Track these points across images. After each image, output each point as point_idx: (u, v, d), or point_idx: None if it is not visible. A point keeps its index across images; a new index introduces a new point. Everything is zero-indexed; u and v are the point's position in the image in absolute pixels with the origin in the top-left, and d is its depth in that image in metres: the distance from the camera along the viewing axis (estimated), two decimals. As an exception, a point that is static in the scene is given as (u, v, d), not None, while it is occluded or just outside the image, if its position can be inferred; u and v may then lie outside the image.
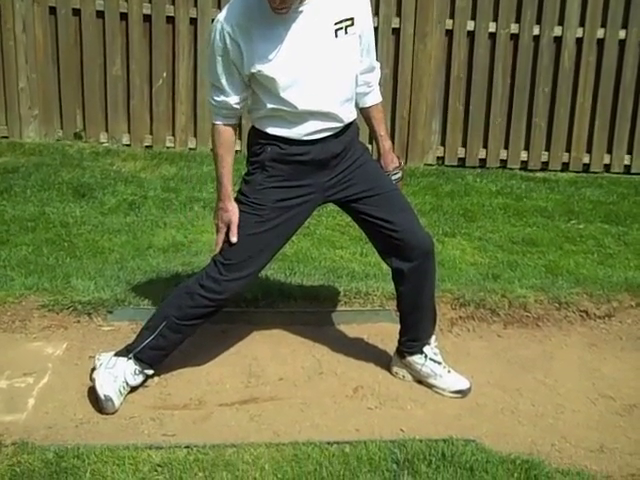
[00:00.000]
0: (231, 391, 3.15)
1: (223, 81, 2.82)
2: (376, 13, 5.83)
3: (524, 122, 6.26)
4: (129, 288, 3.71)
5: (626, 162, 6.35)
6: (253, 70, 2.76)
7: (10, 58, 6.02)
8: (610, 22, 6.08)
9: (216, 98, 2.86)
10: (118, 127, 6.17)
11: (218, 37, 2.76)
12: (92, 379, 3.01)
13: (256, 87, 2.84)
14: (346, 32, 2.81)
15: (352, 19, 2.82)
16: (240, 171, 3.04)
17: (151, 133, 6.20)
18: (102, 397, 2.94)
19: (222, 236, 2.95)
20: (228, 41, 2.74)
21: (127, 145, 6.18)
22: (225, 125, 2.91)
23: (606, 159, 6.34)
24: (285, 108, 2.81)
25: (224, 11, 2.77)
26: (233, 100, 2.85)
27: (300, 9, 2.73)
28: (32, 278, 3.77)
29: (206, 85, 2.98)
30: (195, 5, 5.98)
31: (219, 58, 2.79)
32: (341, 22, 2.79)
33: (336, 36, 2.79)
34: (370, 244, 3.26)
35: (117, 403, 2.96)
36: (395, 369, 3.30)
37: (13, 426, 2.85)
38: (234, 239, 2.92)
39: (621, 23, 6.09)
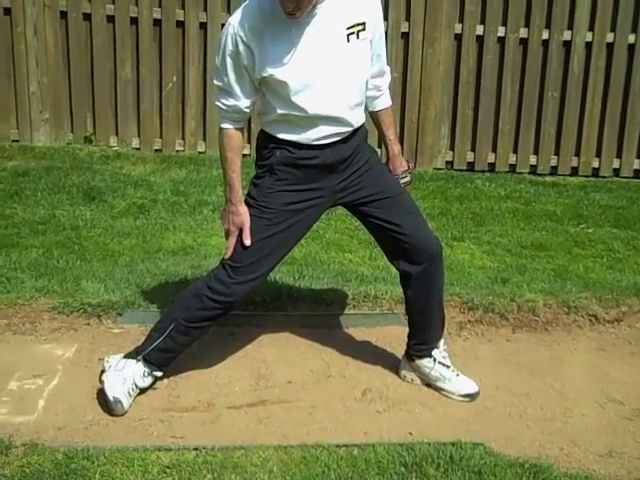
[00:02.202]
0: (240, 394, 3.16)
1: (234, 85, 2.81)
2: (385, 18, 5.80)
3: (533, 126, 6.26)
4: (139, 291, 3.72)
5: (636, 166, 6.34)
6: (265, 74, 2.76)
7: (21, 62, 6.06)
8: (620, 26, 6.07)
9: (225, 102, 2.86)
10: (128, 131, 6.20)
11: (230, 40, 2.75)
12: (101, 381, 3.02)
13: (266, 91, 2.84)
14: (358, 37, 2.81)
15: (364, 24, 2.82)
16: (249, 175, 3.04)
17: (161, 137, 6.22)
18: (111, 399, 2.95)
19: (234, 240, 2.94)
20: (240, 44, 2.74)
21: (137, 149, 6.21)
22: (234, 129, 2.91)
23: (615, 163, 6.33)
24: (295, 113, 2.82)
25: (236, 14, 2.77)
26: (243, 104, 2.85)
27: (313, 13, 2.73)
28: (42, 280, 3.78)
29: (213, 89, 2.96)
30: (205, 9, 6.01)
31: (230, 61, 2.78)
32: (353, 27, 2.80)
33: (348, 41, 2.80)
34: (379, 248, 3.26)
35: (126, 405, 2.97)
36: (403, 372, 3.30)
37: (23, 427, 2.86)
38: (247, 242, 2.92)
39: (631, 27, 6.09)
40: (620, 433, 3.02)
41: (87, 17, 6.03)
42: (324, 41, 2.77)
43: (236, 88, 2.82)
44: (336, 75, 2.80)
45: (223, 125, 2.91)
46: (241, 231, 2.93)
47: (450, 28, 6.08)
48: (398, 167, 3.16)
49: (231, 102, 2.85)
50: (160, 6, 6.01)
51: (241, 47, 2.74)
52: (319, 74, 2.78)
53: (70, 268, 4.03)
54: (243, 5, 2.79)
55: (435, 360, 3.22)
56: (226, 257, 2.97)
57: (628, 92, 6.19)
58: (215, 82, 2.89)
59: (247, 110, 2.88)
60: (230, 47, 2.76)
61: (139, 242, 4.52)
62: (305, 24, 2.73)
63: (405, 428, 2.97)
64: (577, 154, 6.31)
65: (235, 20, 2.76)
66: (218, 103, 2.89)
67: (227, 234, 2.98)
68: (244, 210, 2.93)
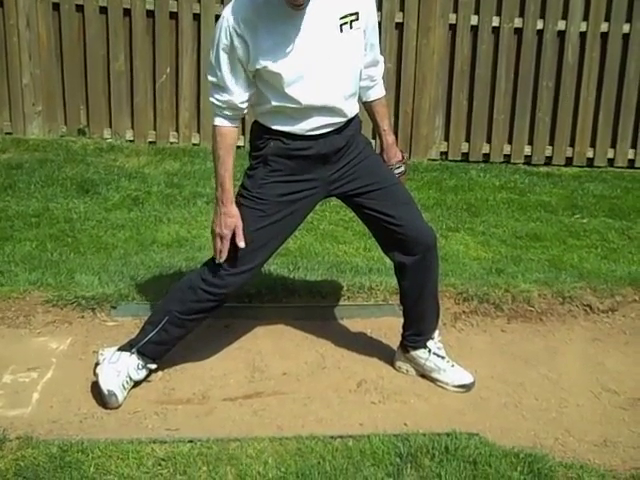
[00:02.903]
0: (235, 386, 3.16)
1: (228, 79, 2.78)
2: (379, 8, 5.82)
3: (528, 117, 6.25)
4: (133, 283, 3.71)
5: (630, 156, 6.33)
6: (259, 66, 2.74)
7: (14, 54, 6.03)
8: (614, 16, 6.06)
9: (219, 97, 2.82)
10: (122, 123, 6.18)
11: (224, 34, 2.73)
12: (95, 374, 3.02)
13: (260, 83, 2.82)
14: (351, 27, 2.80)
15: (357, 14, 2.81)
16: (244, 166, 3.03)
17: (154, 129, 6.20)
18: (105, 392, 2.95)
19: (228, 243, 2.89)
20: (234, 37, 2.72)
21: (131, 141, 6.19)
22: (228, 127, 2.87)
23: (610, 153, 6.33)
24: (289, 105, 2.80)
25: (229, 7, 2.74)
26: (238, 99, 2.81)
27: None
28: (36, 273, 3.77)
29: (207, 85, 2.93)
30: (198, 1, 5.98)
31: (224, 55, 2.75)
32: (346, 17, 2.78)
33: (341, 31, 2.78)
34: (373, 239, 3.25)
35: (120, 398, 2.97)
36: (398, 363, 3.30)
37: (17, 420, 2.86)
38: (242, 244, 2.88)
39: (625, 17, 6.08)
40: (615, 423, 3.03)
41: (80, 8, 6.00)
42: (317, 32, 2.75)
43: (231, 83, 2.79)
44: (330, 65, 2.79)
45: (216, 122, 2.87)
46: (234, 234, 2.88)
47: (444, 18, 6.06)
48: (392, 157, 3.15)
49: (225, 97, 2.82)
50: (153, -3, 5.99)
51: (235, 40, 2.72)
52: (313, 65, 2.76)
53: (64, 261, 4.02)
54: (235, -3, 2.77)
55: (430, 351, 3.22)
56: (220, 261, 2.92)
57: (622, 82, 6.18)
58: (209, 78, 2.85)
59: (242, 106, 2.84)
60: (224, 41, 2.74)
61: (133, 234, 4.51)
62: (298, 15, 2.72)
63: (400, 419, 2.97)
64: (572, 144, 6.30)
65: (228, 13, 2.73)
66: (212, 99, 2.85)
67: (220, 238, 2.90)
68: (236, 211, 2.89)
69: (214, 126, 2.89)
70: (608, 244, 4.71)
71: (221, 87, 2.81)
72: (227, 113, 2.85)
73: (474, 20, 6.07)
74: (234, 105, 2.83)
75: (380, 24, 5.60)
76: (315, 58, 2.76)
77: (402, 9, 6.04)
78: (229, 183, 2.89)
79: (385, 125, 3.14)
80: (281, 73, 2.74)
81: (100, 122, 6.18)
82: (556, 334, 3.66)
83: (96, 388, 3.00)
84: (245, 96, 2.83)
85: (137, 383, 3.06)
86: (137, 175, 5.47)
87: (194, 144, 6.20)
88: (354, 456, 2.67)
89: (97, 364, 3.06)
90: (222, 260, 2.92)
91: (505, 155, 6.31)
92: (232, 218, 2.88)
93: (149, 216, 4.79)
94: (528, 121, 6.26)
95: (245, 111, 2.89)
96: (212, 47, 2.79)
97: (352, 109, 2.94)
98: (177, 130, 6.21)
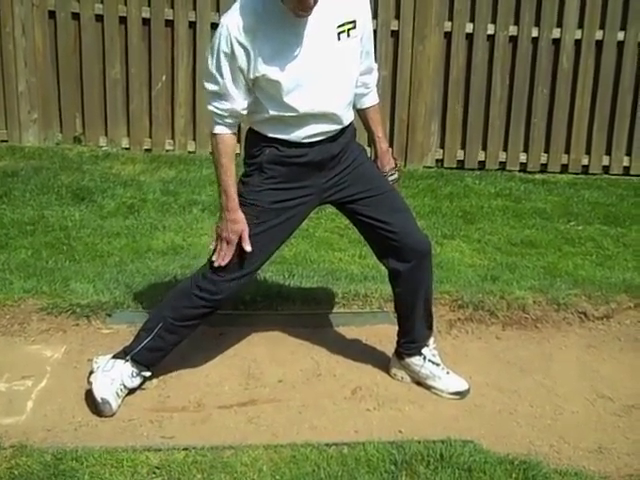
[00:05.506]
0: (230, 393, 3.15)
1: (229, 87, 2.77)
2: (375, 16, 5.84)
3: (523, 124, 6.26)
4: (128, 291, 3.71)
5: (625, 164, 6.34)
6: (258, 74, 2.74)
7: (9, 62, 6.03)
8: (609, 24, 6.08)
9: (220, 106, 2.81)
10: (117, 131, 6.18)
11: (224, 42, 2.71)
12: (89, 382, 3.01)
13: (259, 92, 2.81)
14: (348, 35, 2.81)
15: (354, 22, 2.82)
16: (239, 173, 3.03)
17: (150, 136, 6.20)
18: (99, 400, 2.94)
19: (233, 248, 2.89)
20: (235, 45, 2.70)
21: (126, 149, 6.19)
22: (229, 134, 2.86)
23: (605, 161, 6.34)
24: (287, 113, 2.80)
25: (229, 16, 2.73)
26: (240, 106, 2.81)
27: None
28: (31, 281, 3.76)
29: (203, 93, 2.91)
30: (194, 9, 5.99)
31: (225, 63, 2.74)
32: (343, 25, 2.79)
33: (339, 39, 2.79)
34: (368, 246, 3.26)
35: (114, 406, 2.96)
36: (394, 371, 3.30)
37: (12, 429, 2.85)
38: (248, 248, 2.88)
39: (620, 25, 6.10)
40: (609, 429, 3.03)
41: (76, 16, 6.00)
42: (316, 40, 2.76)
43: (232, 90, 2.78)
44: (327, 74, 2.80)
45: (217, 130, 2.85)
46: (240, 238, 2.88)
47: (440, 26, 6.07)
48: (386, 164, 3.16)
49: (227, 105, 2.80)
50: (149, 5, 5.99)
51: (236, 48, 2.71)
52: (311, 73, 2.77)
53: (59, 269, 4.02)
54: (235, 6, 2.75)
55: (425, 358, 3.22)
56: (222, 264, 2.91)
57: (617, 89, 6.20)
58: (209, 86, 2.81)
59: (243, 112, 2.84)
60: (225, 49, 2.72)
61: (129, 242, 4.50)
62: (297, 24, 2.72)
63: (395, 426, 2.97)
64: (567, 151, 6.31)
65: (228, 21, 2.72)
66: (212, 108, 2.83)
67: (227, 242, 2.89)
68: (242, 217, 2.88)
69: (214, 134, 2.87)
70: (603, 251, 4.71)
71: (222, 95, 2.79)
72: (228, 121, 2.84)
73: (469, 28, 6.09)
74: (236, 112, 2.82)
75: (376, 32, 5.62)
76: (313, 66, 2.77)
77: (397, 17, 6.06)
78: (233, 190, 2.88)
79: (379, 132, 3.15)
80: (280, 81, 2.74)
81: (96, 130, 6.18)
82: (551, 341, 3.66)
83: (90, 396, 2.99)
84: (247, 102, 2.82)
85: (132, 391, 3.06)
86: (133, 183, 5.47)
87: (190, 152, 6.20)
88: (349, 463, 2.66)
89: (91, 372, 3.05)
90: (223, 263, 2.90)
91: (500, 162, 6.32)
92: (238, 224, 2.88)
93: (144, 224, 4.79)
94: (523, 128, 6.27)
95: (244, 116, 2.88)
96: (212, 55, 2.77)
97: (348, 117, 2.95)
98: (173, 138, 6.21)
